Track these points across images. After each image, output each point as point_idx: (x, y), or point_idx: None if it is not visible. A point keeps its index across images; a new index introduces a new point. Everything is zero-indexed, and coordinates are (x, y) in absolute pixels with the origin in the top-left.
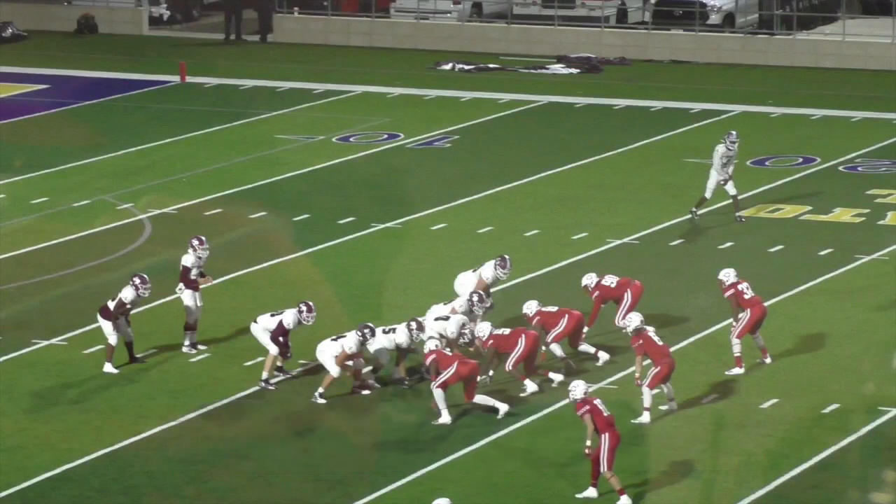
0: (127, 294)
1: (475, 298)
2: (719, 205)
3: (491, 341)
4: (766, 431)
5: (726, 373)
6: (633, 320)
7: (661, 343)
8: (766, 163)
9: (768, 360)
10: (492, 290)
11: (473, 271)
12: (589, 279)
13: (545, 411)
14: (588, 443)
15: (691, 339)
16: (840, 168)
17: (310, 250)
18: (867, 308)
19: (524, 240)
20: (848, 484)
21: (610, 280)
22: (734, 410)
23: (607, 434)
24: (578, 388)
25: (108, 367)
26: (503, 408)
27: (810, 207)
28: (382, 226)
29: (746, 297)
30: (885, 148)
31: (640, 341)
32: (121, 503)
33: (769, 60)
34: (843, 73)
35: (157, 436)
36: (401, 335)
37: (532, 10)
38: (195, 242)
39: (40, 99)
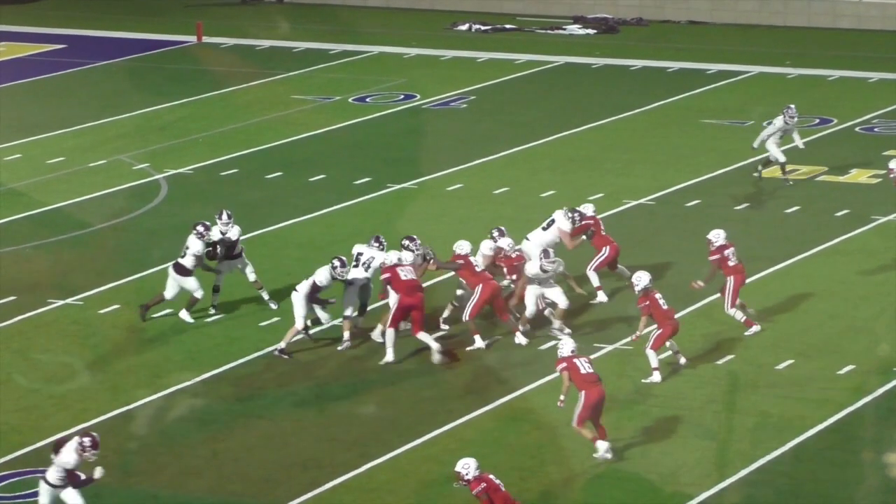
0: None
1: (543, 256)
2: (741, 164)
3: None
4: (782, 392)
5: (746, 333)
6: (643, 280)
7: (665, 306)
8: None
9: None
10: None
11: (543, 229)
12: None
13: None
14: (562, 396)
15: (706, 301)
16: (857, 129)
17: (325, 211)
18: (883, 269)
19: (540, 200)
20: (864, 445)
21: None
22: (749, 371)
23: (584, 392)
24: (566, 346)
25: (186, 315)
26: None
27: (827, 168)
28: (398, 186)
29: (731, 263)
30: None
31: (647, 302)
32: (136, 462)
33: (787, 21)
34: (860, 34)
35: (173, 395)
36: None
37: None
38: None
39: (57, 59)
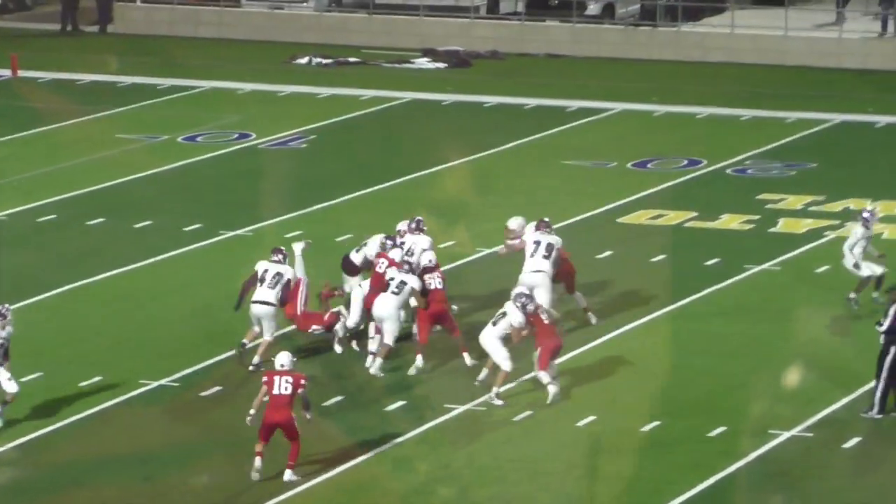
0: None
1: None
2: (604, 208)
3: None
4: (649, 456)
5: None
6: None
7: (547, 322)
8: (649, 165)
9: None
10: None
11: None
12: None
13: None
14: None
15: (570, 356)
16: (728, 171)
17: (152, 260)
18: (757, 323)
19: None
20: None
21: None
22: (613, 433)
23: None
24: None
25: None
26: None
27: (696, 213)
28: (232, 233)
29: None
30: (777, 149)
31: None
32: None
33: (653, 54)
34: (731, 68)
35: None
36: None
37: (396, 0)
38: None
39: None
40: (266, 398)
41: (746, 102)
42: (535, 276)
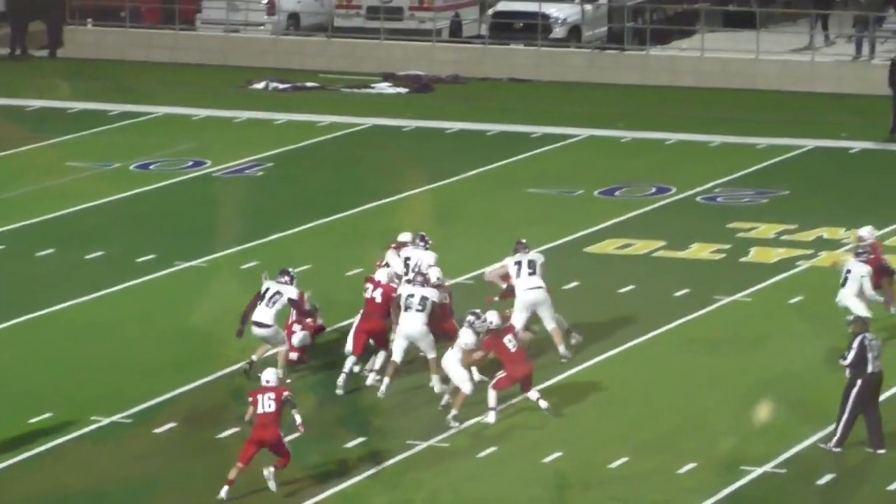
0: None
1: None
2: (570, 237)
3: None
4: (616, 494)
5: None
6: (493, 319)
7: (514, 349)
8: (616, 193)
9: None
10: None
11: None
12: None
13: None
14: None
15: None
16: (698, 199)
17: (104, 292)
18: (727, 355)
19: (346, 280)
20: None
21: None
22: (579, 470)
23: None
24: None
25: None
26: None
27: (665, 243)
28: (187, 264)
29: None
30: (748, 176)
31: (492, 342)
32: None
33: (619, 78)
34: (701, 93)
35: None
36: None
37: (355, 23)
38: None
39: None
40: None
41: (716, 128)
42: (533, 294)
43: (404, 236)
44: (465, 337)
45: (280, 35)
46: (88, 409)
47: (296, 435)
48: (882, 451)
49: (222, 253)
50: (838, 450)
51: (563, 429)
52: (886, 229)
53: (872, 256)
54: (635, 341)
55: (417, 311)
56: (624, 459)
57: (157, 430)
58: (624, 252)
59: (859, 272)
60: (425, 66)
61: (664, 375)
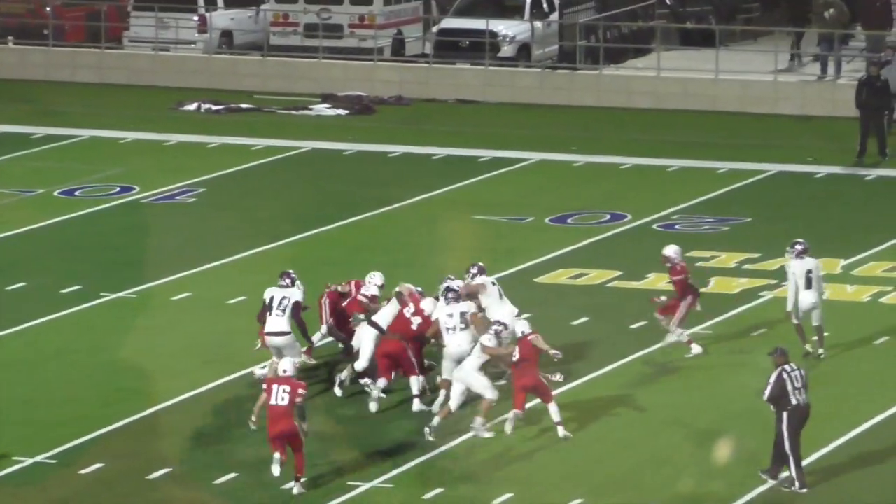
0: None
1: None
2: (521, 266)
3: None
4: None
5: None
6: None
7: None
8: (569, 220)
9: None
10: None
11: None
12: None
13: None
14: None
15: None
16: (655, 226)
17: (26, 325)
18: (686, 391)
19: None
20: None
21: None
22: None
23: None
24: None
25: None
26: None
27: (620, 272)
28: (114, 296)
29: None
30: (707, 202)
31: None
32: None
33: (572, 100)
34: (658, 115)
35: None
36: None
37: (292, 41)
38: None
39: None
40: (265, 406)
41: (675, 152)
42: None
43: (377, 278)
44: (487, 340)
45: (212, 54)
46: (10, 448)
47: None
48: (774, 482)
49: (152, 283)
50: (804, 490)
51: (513, 469)
52: (855, 257)
53: (681, 277)
54: (590, 376)
55: (461, 328)
56: (578, 501)
57: (83, 471)
58: (577, 282)
59: (801, 269)
60: (367, 86)
61: (620, 413)
